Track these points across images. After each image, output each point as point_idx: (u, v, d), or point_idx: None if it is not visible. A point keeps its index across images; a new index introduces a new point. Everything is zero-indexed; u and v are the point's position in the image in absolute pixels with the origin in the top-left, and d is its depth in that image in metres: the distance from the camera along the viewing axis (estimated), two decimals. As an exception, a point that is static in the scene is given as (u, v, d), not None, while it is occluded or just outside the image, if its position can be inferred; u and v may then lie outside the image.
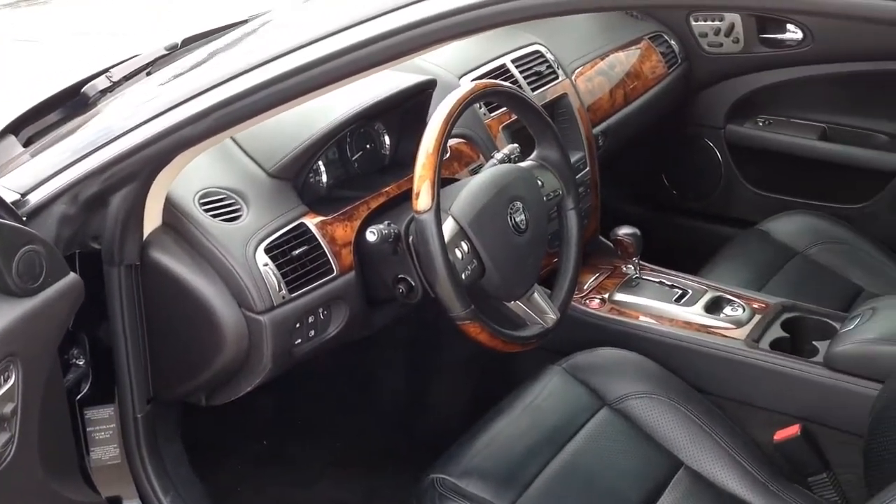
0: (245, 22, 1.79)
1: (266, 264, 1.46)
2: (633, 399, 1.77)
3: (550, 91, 2.04)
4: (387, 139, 1.78)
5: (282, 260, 1.48)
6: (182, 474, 1.58)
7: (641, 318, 1.97)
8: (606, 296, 2.03)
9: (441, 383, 2.15)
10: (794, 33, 2.51)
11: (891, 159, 2.52)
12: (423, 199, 1.40)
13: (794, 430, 1.77)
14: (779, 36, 2.54)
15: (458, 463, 1.57)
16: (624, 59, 2.37)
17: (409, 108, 1.72)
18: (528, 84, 1.99)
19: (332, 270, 1.54)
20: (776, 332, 1.91)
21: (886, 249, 2.41)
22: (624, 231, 2.02)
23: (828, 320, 1.92)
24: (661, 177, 2.87)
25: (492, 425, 1.67)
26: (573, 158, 2.07)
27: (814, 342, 1.87)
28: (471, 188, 1.52)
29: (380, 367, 2.22)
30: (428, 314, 2.01)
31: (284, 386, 2.21)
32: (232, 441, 2.12)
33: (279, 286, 1.43)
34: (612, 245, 2.08)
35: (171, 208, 1.47)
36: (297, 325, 1.47)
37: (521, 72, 1.99)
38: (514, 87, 1.73)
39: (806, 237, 2.39)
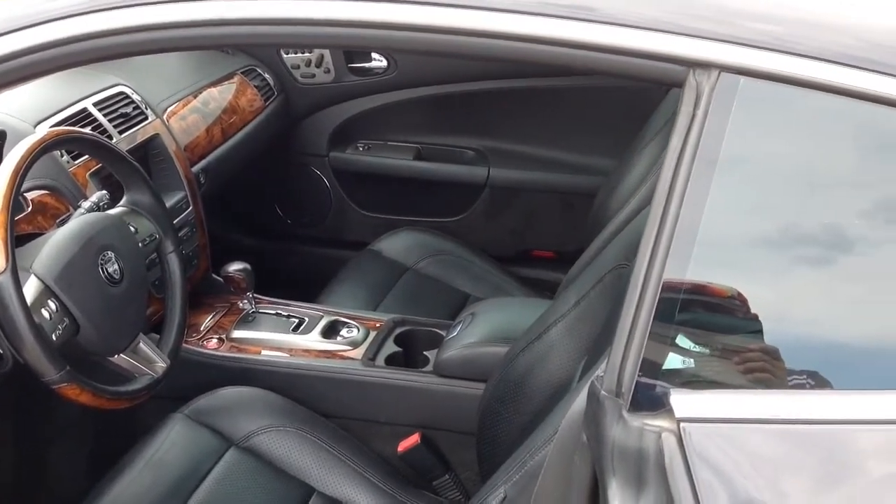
0: None
1: None
2: (260, 435, 1.76)
3: (140, 133, 1.97)
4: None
5: None
6: None
7: (263, 352, 1.97)
8: (224, 335, 2.00)
9: (54, 450, 2.00)
10: (379, 61, 2.65)
11: (479, 172, 2.73)
12: (-5, 260, 1.29)
13: (414, 439, 1.86)
14: (365, 65, 2.67)
15: (76, 537, 1.47)
16: (218, 95, 2.36)
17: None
18: (115, 127, 1.91)
19: None
20: (390, 347, 1.99)
21: (485, 255, 2.61)
22: (234, 267, 2.01)
23: (436, 330, 2.04)
24: (273, 206, 2.89)
25: (112, 486, 1.59)
26: (174, 199, 2.02)
27: (424, 352, 1.98)
28: (54, 242, 1.43)
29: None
30: (29, 381, 1.87)
31: None
32: None
33: None
34: (224, 282, 2.07)
35: None
36: None
37: (105, 115, 1.91)
38: (91, 132, 1.65)
39: (415, 252, 2.52)
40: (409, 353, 1.99)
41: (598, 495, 0.94)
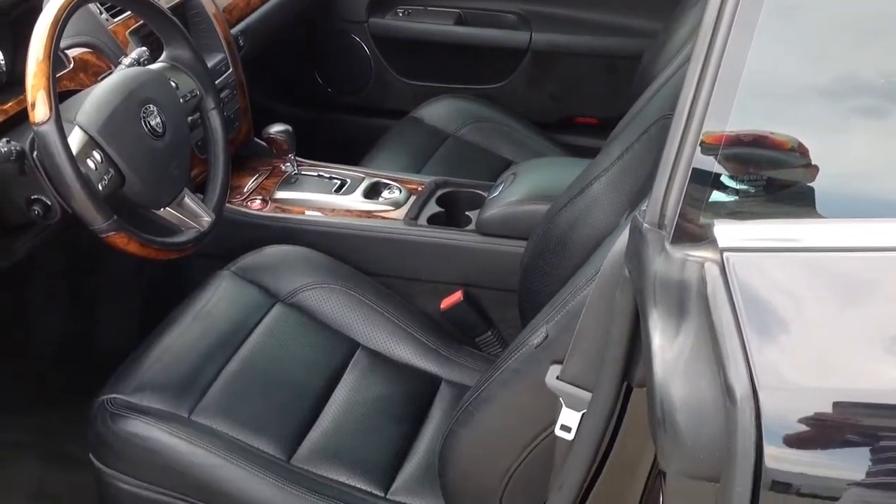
0: None
1: None
2: (305, 291, 1.79)
3: (178, -9, 1.95)
4: (0, 56, 1.63)
5: None
6: None
7: (306, 212, 1.98)
8: (268, 196, 2.02)
9: (107, 308, 2.06)
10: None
11: (521, 37, 2.67)
12: (39, 110, 1.30)
13: (457, 296, 1.88)
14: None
15: (129, 380, 1.52)
16: (258, -43, 2.32)
17: (18, 17, 1.58)
18: (153, -13, 1.89)
19: None
20: (432, 207, 1.99)
21: (527, 122, 2.58)
22: (276, 129, 2.01)
23: (477, 191, 2.04)
24: (314, 74, 2.87)
25: (162, 338, 1.63)
26: (214, 61, 2.01)
27: (466, 213, 1.98)
28: (96, 94, 1.43)
29: (38, 302, 2.08)
30: (79, 237, 1.91)
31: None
32: None
33: None
34: (267, 145, 2.07)
35: None
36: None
37: (143, -28, 1.88)
38: None
39: (456, 119, 2.50)
40: (451, 213, 1.99)
41: (640, 328, 0.95)
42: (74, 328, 2.08)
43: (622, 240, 1.03)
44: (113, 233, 1.38)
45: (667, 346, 0.87)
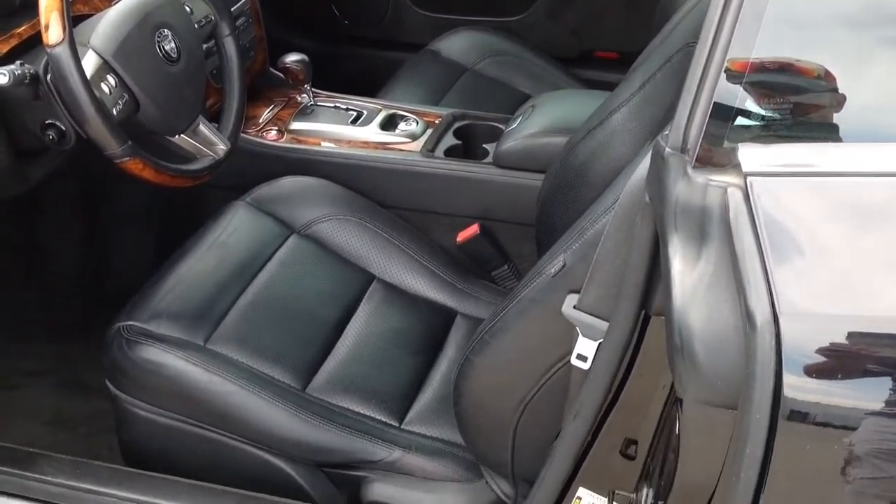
0: None
1: None
2: (321, 223, 1.79)
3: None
4: (14, -22, 1.61)
5: None
6: None
7: (322, 143, 1.97)
8: (283, 127, 2.00)
9: (122, 238, 2.06)
10: None
11: (542, -32, 2.62)
12: (53, 31, 1.28)
13: (473, 229, 1.87)
14: None
15: (145, 308, 1.52)
16: None
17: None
18: None
19: None
20: (449, 140, 1.97)
21: (547, 56, 2.54)
22: (292, 58, 1.99)
23: (495, 124, 2.01)
24: (330, 6, 2.82)
25: (177, 268, 1.63)
26: (229, -12, 1.98)
27: (484, 145, 1.96)
28: (109, 18, 1.41)
29: (52, 232, 2.09)
30: (93, 165, 1.90)
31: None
32: None
33: None
34: (282, 76, 2.05)
35: None
36: (-67, 183, 1.33)
37: None
38: None
39: (474, 53, 2.47)
40: (468, 146, 1.97)
41: (659, 254, 0.94)
42: (89, 258, 2.09)
43: (643, 167, 1.01)
44: (128, 158, 1.37)
45: (687, 272, 0.85)
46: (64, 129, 1.39)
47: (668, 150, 0.89)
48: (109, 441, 1.66)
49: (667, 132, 0.91)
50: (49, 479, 1.38)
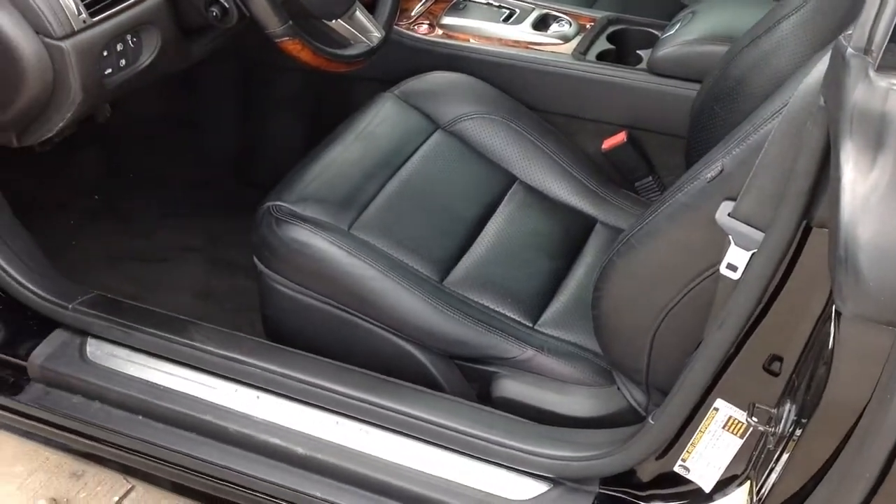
0: None
1: None
2: (466, 120, 1.78)
3: None
4: None
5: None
6: (5, 221, 1.52)
7: (472, 40, 1.95)
8: (435, 21, 1.98)
9: (274, 122, 2.10)
10: None
11: None
12: None
13: (620, 137, 1.83)
14: None
15: (294, 190, 1.56)
16: None
17: None
18: None
19: None
20: (602, 44, 1.92)
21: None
22: (447, -48, 1.96)
23: (651, 29, 1.95)
24: None
25: (326, 153, 1.66)
26: None
27: (638, 51, 1.90)
28: None
29: (209, 112, 2.15)
30: (252, 51, 1.93)
31: (110, 139, 2.12)
32: (60, 198, 2.05)
33: (77, 9, 1.32)
34: (436, -30, 2.03)
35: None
36: (105, 53, 1.37)
37: None
38: None
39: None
40: (622, 51, 1.92)
41: (829, 162, 0.90)
42: (242, 141, 2.14)
43: (818, 69, 0.96)
44: (287, 38, 1.39)
45: (859, 181, 0.81)
46: (227, 6, 1.42)
47: (850, 49, 0.85)
48: (251, 318, 1.72)
49: (850, 31, 0.86)
50: (198, 345, 1.44)
